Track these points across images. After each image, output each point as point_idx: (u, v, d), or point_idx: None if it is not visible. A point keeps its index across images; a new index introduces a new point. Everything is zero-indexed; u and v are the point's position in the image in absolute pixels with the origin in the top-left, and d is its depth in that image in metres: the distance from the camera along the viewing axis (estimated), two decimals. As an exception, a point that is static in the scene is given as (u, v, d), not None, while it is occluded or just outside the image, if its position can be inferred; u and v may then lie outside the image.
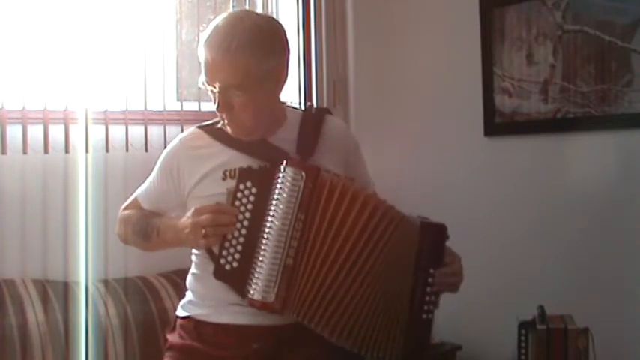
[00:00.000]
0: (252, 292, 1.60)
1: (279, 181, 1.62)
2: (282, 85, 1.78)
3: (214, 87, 1.68)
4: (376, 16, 3.26)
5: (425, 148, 3.09)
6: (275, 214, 1.60)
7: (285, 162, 1.63)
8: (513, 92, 2.75)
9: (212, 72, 1.67)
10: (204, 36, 1.70)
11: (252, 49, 1.65)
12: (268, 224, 1.61)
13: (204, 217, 1.62)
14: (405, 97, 3.18)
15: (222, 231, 1.63)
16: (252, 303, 1.61)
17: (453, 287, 1.74)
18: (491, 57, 2.81)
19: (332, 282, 1.62)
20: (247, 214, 1.63)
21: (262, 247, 1.60)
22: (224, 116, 1.73)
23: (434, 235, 1.70)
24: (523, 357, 2.29)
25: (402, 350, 1.67)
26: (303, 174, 1.62)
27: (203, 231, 1.61)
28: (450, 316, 2.85)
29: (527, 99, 2.71)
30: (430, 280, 1.69)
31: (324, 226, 1.62)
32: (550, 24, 2.63)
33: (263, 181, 1.64)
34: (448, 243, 1.74)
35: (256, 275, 1.60)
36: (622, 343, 2.41)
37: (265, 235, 1.60)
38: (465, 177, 2.94)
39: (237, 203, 1.64)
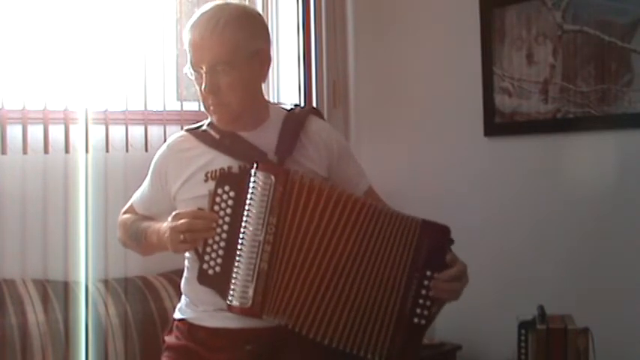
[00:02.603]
0: (230, 298, 1.61)
1: (251, 185, 1.62)
2: (266, 74, 1.80)
3: (201, 68, 1.69)
4: (376, 17, 3.26)
5: (425, 148, 3.09)
6: (248, 219, 1.60)
7: (255, 166, 1.63)
8: (513, 92, 2.75)
9: (200, 51, 1.69)
10: (189, 22, 1.73)
11: (240, 26, 1.69)
12: (242, 229, 1.60)
13: (180, 223, 1.62)
14: (404, 97, 3.17)
15: (199, 236, 1.62)
16: (231, 309, 1.62)
17: (453, 294, 1.65)
18: (491, 57, 2.81)
19: (309, 284, 1.61)
20: (227, 219, 1.63)
21: (238, 253, 1.60)
22: (210, 101, 1.72)
23: (435, 236, 1.64)
24: (523, 357, 2.28)
25: (386, 352, 1.63)
26: (273, 177, 1.61)
27: (181, 236, 1.61)
28: (450, 316, 2.85)
29: (527, 99, 2.71)
30: (426, 282, 1.63)
31: (297, 228, 1.61)
32: (550, 24, 2.63)
33: (241, 185, 1.63)
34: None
35: (233, 281, 1.60)
36: (622, 343, 2.41)
37: (240, 241, 1.60)
38: (464, 177, 2.94)
39: (216, 207, 1.63)
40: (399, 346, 1.64)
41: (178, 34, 2.90)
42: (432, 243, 1.64)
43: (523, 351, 2.28)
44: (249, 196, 1.61)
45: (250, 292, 1.59)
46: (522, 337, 2.28)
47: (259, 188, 1.60)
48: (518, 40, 2.73)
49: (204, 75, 1.69)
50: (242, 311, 1.61)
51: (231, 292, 1.60)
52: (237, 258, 1.60)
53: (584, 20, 2.53)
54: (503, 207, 2.81)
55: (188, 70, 1.73)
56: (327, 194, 1.62)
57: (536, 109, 2.68)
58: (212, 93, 1.70)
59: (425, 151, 3.09)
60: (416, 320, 1.63)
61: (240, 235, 1.60)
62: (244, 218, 1.60)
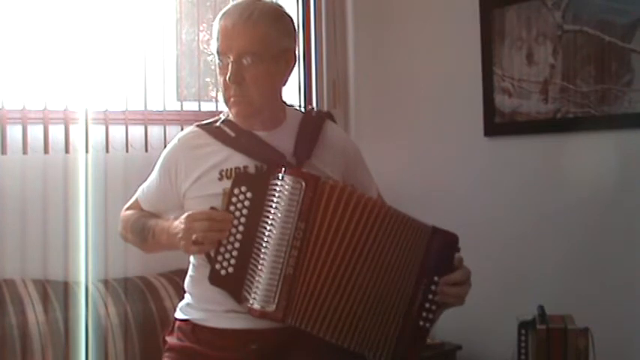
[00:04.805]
0: (251, 301, 1.59)
1: (277, 189, 1.59)
2: (289, 74, 1.79)
3: (228, 57, 1.68)
4: (376, 16, 3.26)
5: (425, 148, 3.09)
6: (274, 223, 1.58)
7: (283, 169, 1.61)
8: (513, 92, 2.75)
9: (230, 39, 1.68)
10: (220, 13, 1.73)
11: (273, 21, 1.70)
12: (267, 232, 1.58)
13: (196, 224, 1.60)
14: (404, 97, 3.18)
15: (214, 238, 1.60)
16: (251, 312, 1.60)
17: (458, 299, 1.69)
18: (491, 57, 2.81)
19: (333, 290, 1.60)
20: (243, 219, 1.61)
21: (261, 256, 1.58)
22: (232, 92, 1.71)
23: (443, 242, 1.67)
24: (523, 357, 2.28)
25: (392, 353, 1.65)
26: (303, 183, 1.59)
27: (194, 237, 1.60)
28: (450, 316, 2.85)
29: (527, 99, 2.71)
30: (433, 287, 1.66)
31: (326, 235, 1.60)
32: (550, 24, 2.63)
33: (259, 186, 1.62)
34: None
35: (255, 284, 1.58)
36: (622, 343, 2.41)
37: (264, 244, 1.58)
38: (464, 177, 2.94)
39: (232, 208, 1.61)
40: (404, 347, 1.66)
41: (178, 34, 2.90)
42: (441, 250, 1.67)
43: (523, 351, 2.28)
44: (274, 199, 1.59)
45: (275, 296, 1.58)
46: (522, 337, 2.28)
47: (287, 192, 1.58)
48: (518, 40, 2.73)
49: (230, 64, 1.68)
50: (263, 314, 1.59)
51: (252, 295, 1.58)
52: (261, 261, 1.58)
53: (584, 20, 2.53)
54: (503, 207, 2.81)
55: (214, 58, 1.73)
56: (356, 202, 1.61)
57: (536, 109, 2.68)
58: (236, 83, 1.69)
59: (425, 151, 3.09)
60: (421, 323, 1.67)
61: (265, 239, 1.58)
62: (268, 221, 1.58)
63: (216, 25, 1.72)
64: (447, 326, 2.85)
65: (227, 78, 1.69)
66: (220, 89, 1.75)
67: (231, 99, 1.72)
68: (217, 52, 1.71)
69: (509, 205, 2.79)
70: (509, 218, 2.79)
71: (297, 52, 1.80)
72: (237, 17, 1.68)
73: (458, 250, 1.69)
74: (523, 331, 2.28)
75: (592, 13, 2.50)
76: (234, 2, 1.74)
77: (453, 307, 1.72)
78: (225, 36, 1.69)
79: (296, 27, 1.80)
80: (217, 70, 1.74)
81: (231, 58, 1.68)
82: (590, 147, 2.54)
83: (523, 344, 2.28)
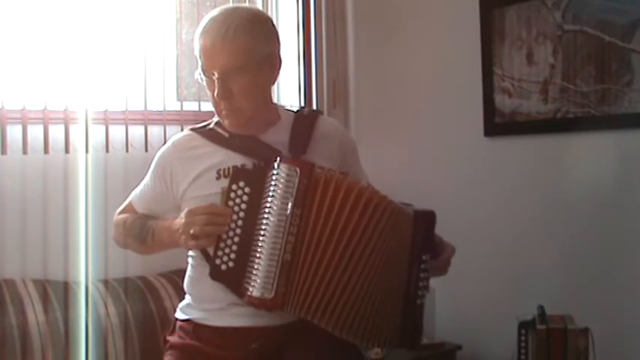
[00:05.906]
0: (250, 289, 1.59)
1: (273, 177, 1.62)
2: (277, 77, 1.80)
3: (213, 74, 1.69)
4: (376, 16, 3.26)
5: (425, 148, 3.09)
6: (271, 211, 1.60)
7: (278, 159, 1.64)
8: (513, 92, 2.75)
9: (212, 58, 1.68)
10: (199, 28, 1.72)
11: (252, 31, 1.69)
12: (264, 221, 1.60)
13: (197, 218, 1.62)
14: (404, 97, 3.18)
15: (215, 231, 1.62)
16: (250, 301, 1.60)
17: (443, 272, 1.77)
18: (491, 57, 2.81)
19: (331, 275, 1.61)
20: (241, 214, 1.63)
21: (259, 245, 1.60)
22: (222, 106, 1.72)
23: (426, 223, 1.71)
24: (523, 357, 2.29)
25: (399, 336, 1.68)
26: (298, 169, 1.61)
27: (192, 231, 1.61)
28: (450, 316, 2.86)
29: (527, 99, 2.71)
30: (423, 266, 1.70)
31: (321, 220, 1.61)
32: (550, 24, 2.63)
33: (256, 180, 1.64)
34: (445, 235, 1.76)
35: (254, 272, 1.59)
36: (622, 343, 2.41)
37: (262, 232, 1.60)
38: (464, 177, 2.94)
39: (230, 203, 1.63)
40: (412, 328, 1.69)
41: (178, 34, 2.90)
42: (425, 230, 1.71)
43: (523, 351, 2.28)
44: (271, 187, 1.61)
45: (273, 283, 1.58)
46: (522, 337, 2.28)
47: (283, 180, 1.61)
48: (518, 40, 2.73)
49: (216, 81, 1.69)
50: (262, 302, 1.59)
51: (251, 283, 1.59)
52: (259, 249, 1.59)
53: (584, 20, 2.53)
54: (503, 207, 2.81)
55: (199, 75, 1.73)
56: (348, 187, 1.63)
57: (536, 109, 2.68)
58: (225, 99, 1.70)
59: (425, 151, 3.09)
60: (419, 301, 1.70)
61: (262, 227, 1.60)
62: (266, 210, 1.60)
63: (197, 43, 1.72)
64: (447, 326, 2.85)
65: (215, 95, 1.70)
66: (212, 103, 1.76)
67: (223, 112, 1.74)
68: (202, 70, 1.72)
69: (509, 205, 2.79)
70: (509, 218, 2.79)
71: (280, 53, 1.79)
72: (215, 35, 1.67)
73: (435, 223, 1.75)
74: (523, 331, 2.28)
75: (592, 13, 2.50)
76: (211, 14, 1.73)
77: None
78: (207, 55, 1.69)
79: (276, 27, 1.79)
80: (205, 86, 1.75)
81: (217, 75, 1.68)
82: (590, 147, 2.54)
83: (523, 344, 2.28)
